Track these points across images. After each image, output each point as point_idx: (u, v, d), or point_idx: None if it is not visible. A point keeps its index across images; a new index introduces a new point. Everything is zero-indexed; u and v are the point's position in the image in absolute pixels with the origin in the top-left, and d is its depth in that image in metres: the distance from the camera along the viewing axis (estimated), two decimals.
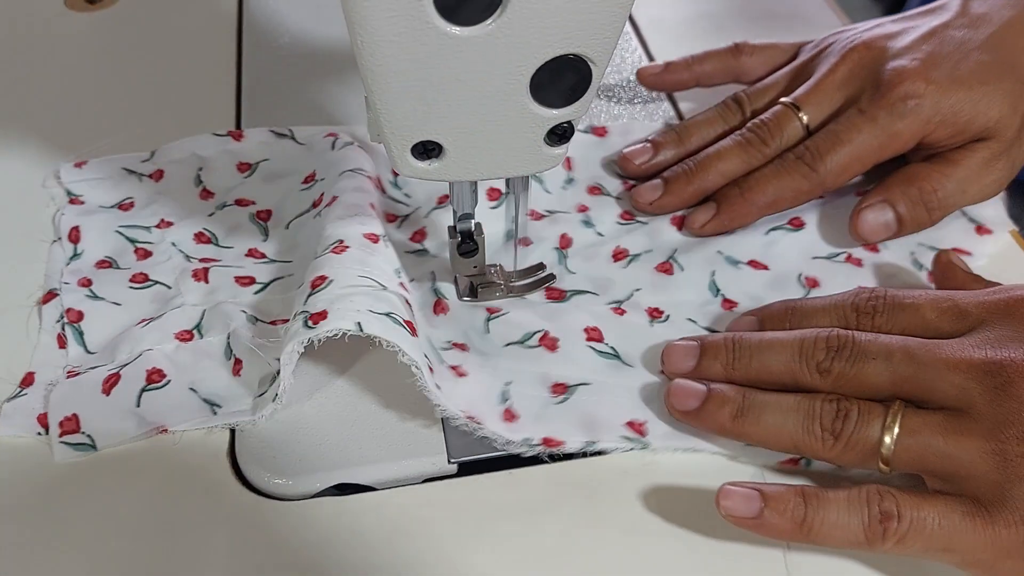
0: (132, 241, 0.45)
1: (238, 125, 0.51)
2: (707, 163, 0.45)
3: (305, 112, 0.51)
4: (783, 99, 0.46)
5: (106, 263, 0.44)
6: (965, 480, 0.32)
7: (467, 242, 0.40)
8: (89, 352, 0.40)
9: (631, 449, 0.37)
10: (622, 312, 0.42)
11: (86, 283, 0.43)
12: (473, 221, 0.39)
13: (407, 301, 0.38)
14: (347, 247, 0.39)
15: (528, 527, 0.35)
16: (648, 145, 0.47)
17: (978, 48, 0.44)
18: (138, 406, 0.38)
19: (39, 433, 0.38)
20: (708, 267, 0.44)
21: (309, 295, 0.36)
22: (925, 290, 0.38)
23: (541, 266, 0.43)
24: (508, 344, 0.40)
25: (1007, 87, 0.43)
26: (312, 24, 0.57)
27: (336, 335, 0.34)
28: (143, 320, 0.41)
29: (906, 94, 0.43)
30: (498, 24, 0.29)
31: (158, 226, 0.46)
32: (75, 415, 0.38)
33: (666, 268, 0.44)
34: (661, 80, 0.51)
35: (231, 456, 0.37)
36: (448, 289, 0.42)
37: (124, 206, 0.47)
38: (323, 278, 0.37)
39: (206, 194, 0.47)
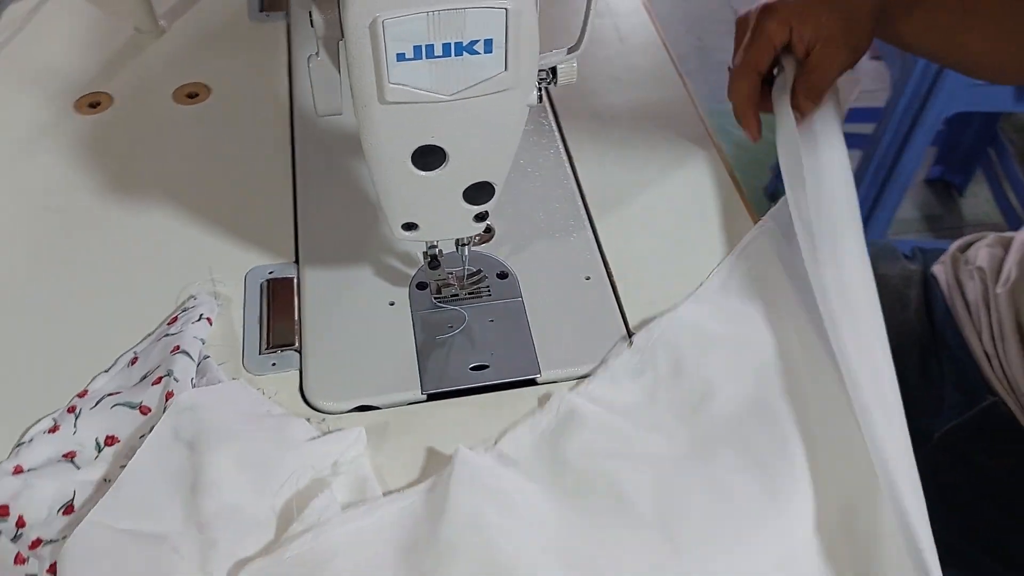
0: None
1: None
2: None
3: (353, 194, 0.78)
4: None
5: (72, 408, 0.60)
6: None
7: (433, 261, 0.68)
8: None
9: None
10: None
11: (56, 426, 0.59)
12: (437, 250, 0.67)
13: None
14: None
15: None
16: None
17: None
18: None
19: None
20: None
21: None
22: None
23: (479, 271, 0.71)
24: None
25: None
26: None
27: None
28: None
29: None
30: (445, 170, 0.57)
31: (107, 440, 0.58)
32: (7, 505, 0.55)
33: None
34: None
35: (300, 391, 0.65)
36: None
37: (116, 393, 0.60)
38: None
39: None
